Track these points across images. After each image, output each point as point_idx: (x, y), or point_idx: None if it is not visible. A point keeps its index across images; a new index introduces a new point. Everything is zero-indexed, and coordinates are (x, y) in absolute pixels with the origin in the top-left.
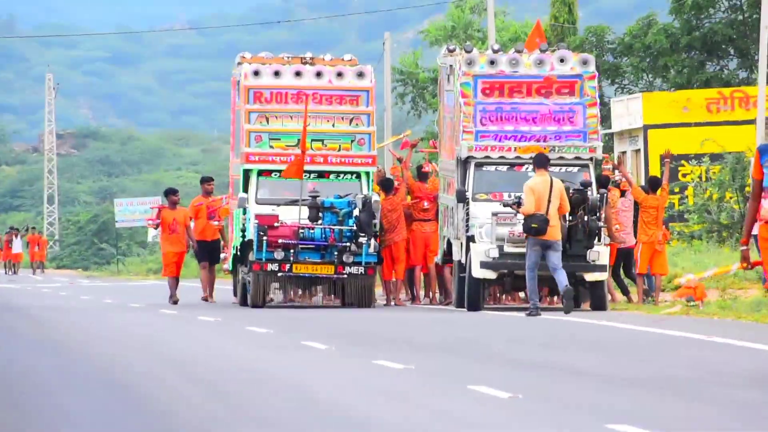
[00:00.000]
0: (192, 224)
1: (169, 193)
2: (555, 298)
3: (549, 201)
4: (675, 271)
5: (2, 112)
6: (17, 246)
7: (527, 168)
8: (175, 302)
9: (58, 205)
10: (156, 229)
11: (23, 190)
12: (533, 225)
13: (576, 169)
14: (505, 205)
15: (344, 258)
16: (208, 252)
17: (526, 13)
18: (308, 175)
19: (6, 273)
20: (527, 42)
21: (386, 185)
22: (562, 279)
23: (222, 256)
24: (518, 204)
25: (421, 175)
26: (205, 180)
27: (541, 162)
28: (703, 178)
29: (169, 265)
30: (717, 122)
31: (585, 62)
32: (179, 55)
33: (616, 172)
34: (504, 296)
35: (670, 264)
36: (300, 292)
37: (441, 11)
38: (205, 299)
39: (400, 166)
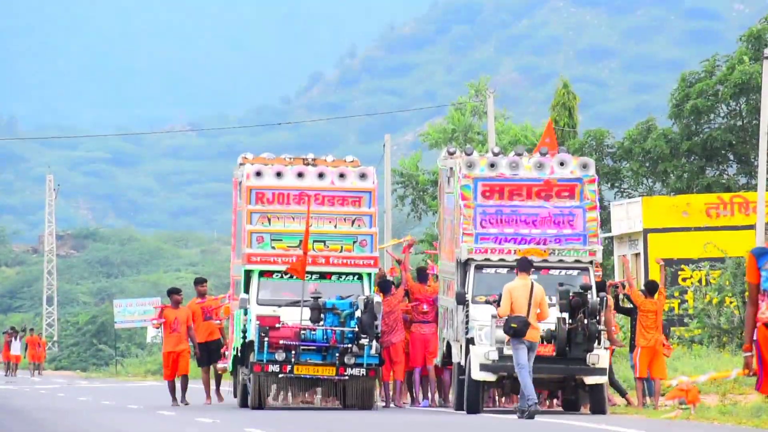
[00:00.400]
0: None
1: (172, 292)
2: (555, 401)
3: (529, 305)
4: (675, 376)
5: (2, 212)
6: (16, 347)
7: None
8: (180, 404)
9: (57, 306)
10: (158, 328)
11: (22, 291)
12: (512, 325)
13: (576, 272)
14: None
15: (346, 359)
16: (207, 354)
17: (526, 117)
18: (310, 276)
19: (6, 374)
20: (540, 142)
21: (384, 287)
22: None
23: (226, 353)
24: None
25: (421, 277)
26: (199, 282)
27: (524, 266)
28: (703, 283)
29: (167, 367)
30: (717, 227)
31: (585, 166)
32: (179, 156)
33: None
34: (503, 399)
35: (670, 368)
36: (300, 393)
37: (441, 114)
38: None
39: (399, 267)
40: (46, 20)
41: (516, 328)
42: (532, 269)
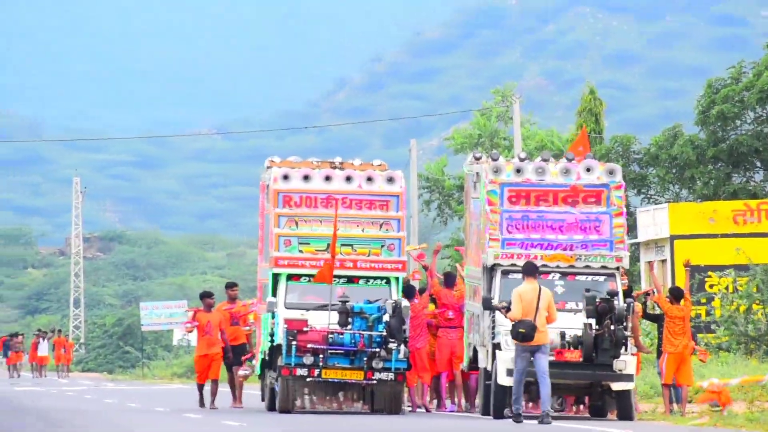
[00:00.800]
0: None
1: (205, 296)
2: (581, 406)
3: (537, 308)
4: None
5: (29, 215)
6: (43, 349)
7: (553, 276)
8: (204, 406)
9: (83, 308)
10: (191, 332)
11: (49, 293)
12: (521, 330)
13: (602, 278)
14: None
15: (374, 364)
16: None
17: (551, 122)
18: (338, 279)
19: (33, 376)
20: (571, 148)
21: (408, 292)
22: (545, 396)
23: (252, 361)
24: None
25: (448, 282)
26: (229, 286)
27: (529, 270)
28: (730, 290)
29: (200, 371)
30: (744, 234)
31: (611, 172)
32: (205, 160)
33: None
34: (530, 404)
35: (698, 375)
36: (328, 397)
37: (466, 119)
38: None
39: (426, 273)
40: (71, 22)
41: (524, 333)
42: (538, 272)
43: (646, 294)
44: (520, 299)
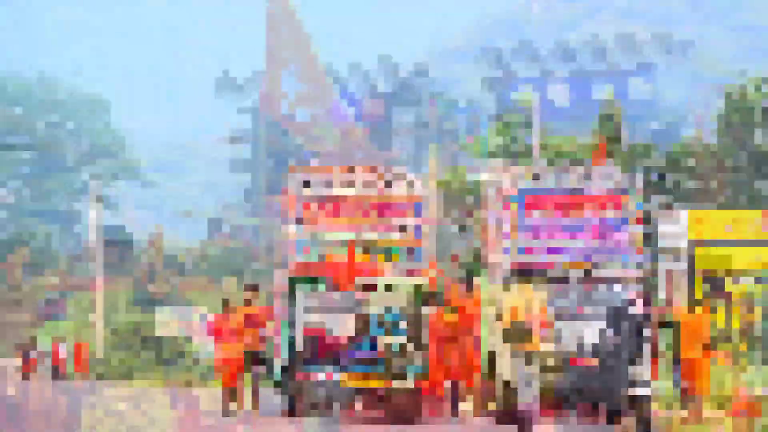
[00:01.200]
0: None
1: (225, 300)
2: (598, 413)
3: (530, 314)
4: (722, 390)
5: (47, 220)
6: (63, 354)
7: (571, 283)
8: (227, 414)
9: (101, 313)
10: (211, 336)
11: (67, 298)
12: (513, 333)
13: (619, 285)
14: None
15: (392, 370)
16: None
17: (572, 130)
18: (357, 286)
19: (52, 381)
20: (593, 162)
21: (426, 299)
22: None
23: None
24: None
25: (467, 289)
26: (249, 288)
27: (524, 275)
28: (756, 296)
29: (224, 375)
30: (763, 241)
31: (630, 179)
32: (225, 166)
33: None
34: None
35: (717, 383)
36: (346, 404)
37: (486, 126)
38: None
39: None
40: (94, 29)
41: (519, 335)
42: (532, 277)
43: (667, 302)
44: (513, 303)
